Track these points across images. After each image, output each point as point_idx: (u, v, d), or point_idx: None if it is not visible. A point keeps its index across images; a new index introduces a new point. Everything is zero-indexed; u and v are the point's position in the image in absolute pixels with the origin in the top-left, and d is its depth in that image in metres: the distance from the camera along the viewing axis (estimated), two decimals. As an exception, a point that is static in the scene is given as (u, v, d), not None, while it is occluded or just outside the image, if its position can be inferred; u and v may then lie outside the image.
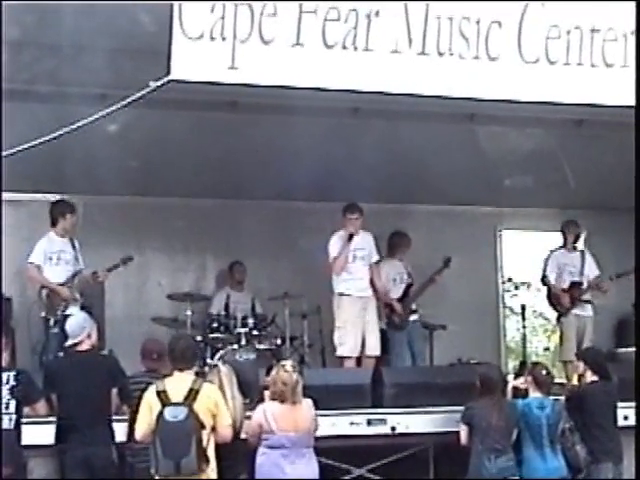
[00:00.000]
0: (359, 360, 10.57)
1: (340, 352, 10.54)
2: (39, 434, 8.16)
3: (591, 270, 11.73)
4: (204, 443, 7.16)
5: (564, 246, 11.90)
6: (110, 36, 8.19)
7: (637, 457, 8.81)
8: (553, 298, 11.79)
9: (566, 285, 11.66)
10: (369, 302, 10.69)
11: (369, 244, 10.80)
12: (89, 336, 8.37)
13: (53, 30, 8.15)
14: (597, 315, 11.76)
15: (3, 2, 7.62)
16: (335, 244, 10.59)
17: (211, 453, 7.24)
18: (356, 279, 10.63)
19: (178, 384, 7.33)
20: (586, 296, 11.65)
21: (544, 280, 11.85)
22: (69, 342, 8.43)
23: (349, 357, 10.50)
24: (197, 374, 7.63)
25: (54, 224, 10.23)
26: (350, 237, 10.52)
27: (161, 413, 7.18)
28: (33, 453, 8.15)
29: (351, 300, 10.57)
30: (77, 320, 8.64)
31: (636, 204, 8.91)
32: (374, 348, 10.59)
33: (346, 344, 10.49)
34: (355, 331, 10.50)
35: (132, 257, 10.73)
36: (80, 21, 7.99)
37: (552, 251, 11.98)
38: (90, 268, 10.42)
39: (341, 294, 10.59)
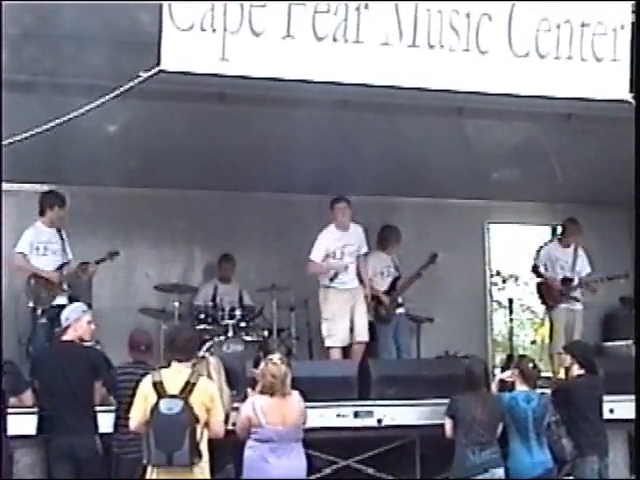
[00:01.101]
0: (346, 349, 10.59)
1: (329, 343, 10.54)
2: (24, 424, 8.16)
3: (583, 267, 11.76)
4: (197, 437, 7.12)
5: (559, 241, 11.92)
6: (102, 28, 8.17)
7: (637, 452, 8.84)
8: (543, 290, 11.80)
9: (557, 279, 11.68)
10: (357, 293, 10.70)
11: (359, 237, 10.79)
12: (75, 328, 8.38)
13: (45, 22, 8.13)
14: (585, 309, 11.80)
15: (3, 2, 7.62)
16: (319, 244, 10.54)
17: (204, 447, 7.20)
18: (341, 273, 10.60)
19: (175, 376, 7.27)
20: (575, 293, 11.67)
21: (535, 270, 11.86)
22: (63, 325, 8.45)
23: (337, 348, 10.51)
24: (194, 366, 7.58)
25: (42, 214, 10.20)
26: (344, 226, 10.52)
27: (156, 405, 7.12)
28: (19, 443, 8.15)
29: (338, 292, 10.57)
30: (67, 309, 8.66)
31: (636, 200, 8.90)
32: (363, 334, 10.61)
33: (335, 335, 10.50)
34: (343, 322, 10.52)
35: (119, 252, 10.72)
36: (73, 13, 7.97)
37: (545, 243, 12.01)
38: (77, 259, 10.40)
39: (328, 287, 10.60)
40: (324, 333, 10.58)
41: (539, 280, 11.90)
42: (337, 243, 10.58)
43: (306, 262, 10.56)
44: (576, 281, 11.69)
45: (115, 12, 7.96)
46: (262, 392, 7.82)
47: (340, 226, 10.60)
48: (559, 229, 12.21)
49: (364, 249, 10.85)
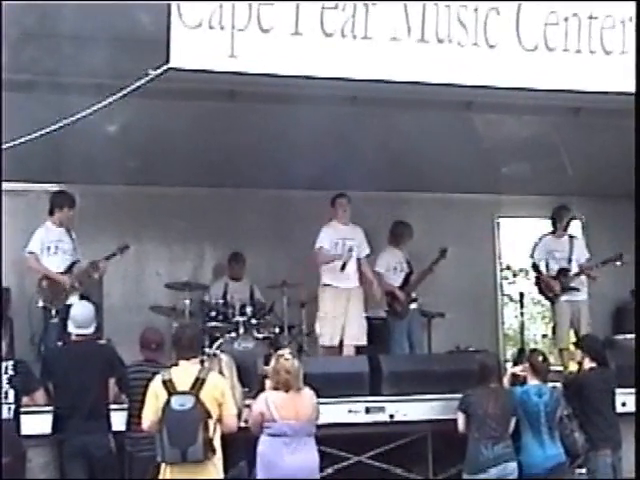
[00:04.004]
0: (341, 349, 10.65)
1: (321, 342, 10.64)
2: (37, 424, 8.18)
3: (581, 254, 11.63)
4: (210, 432, 7.13)
5: (554, 232, 11.84)
6: (103, 27, 8.18)
7: (637, 447, 8.83)
8: (542, 284, 11.73)
9: (554, 272, 11.61)
10: (353, 293, 10.70)
11: (359, 236, 10.84)
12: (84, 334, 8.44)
13: (51, 21, 8.14)
14: (595, 302, 11.75)
15: (3, 2, 7.63)
16: (323, 234, 10.65)
17: (217, 443, 7.20)
18: (340, 270, 10.59)
19: (184, 373, 7.29)
20: (574, 283, 11.58)
21: (534, 266, 11.80)
22: (81, 331, 8.43)
23: (329, 347, 10.57)
24: (202, 362, 7.60)
25: (51, 213, 10.21)
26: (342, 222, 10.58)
27: (168, 402, 7.14)
28: (32, 442, 8.16)
29: (335, 292, 10.61)
30: (89, 311, 8.64)
31: (636, 193, 8.90)
32: (356, 337, 10.61)
33: (326, 334, 10.57)
34: (335, 322, 10.55)
35: (129, 245, 10.70)
36: (73, 13, 7.98)
37: (540, 237, 11.94)
38: (88, 258, 10.40)
39: (325, 285, 10.65)
40: (317, 331, 10.66)
41: (536, 276, 11.83)
42: (338, 235, 10.65)
43: (313, 254, 10.61)
44: (573, 270, 11.61)
45: (115, 11, 7.96)
46: (276, 388, 7.83)
47: (340, 221, 10.70)
48: (550, 222, 12.07)
49: (366, 250, 10.88)
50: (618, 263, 11.47)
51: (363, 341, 10.68)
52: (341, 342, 10.60)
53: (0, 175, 8.15)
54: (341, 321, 10.57)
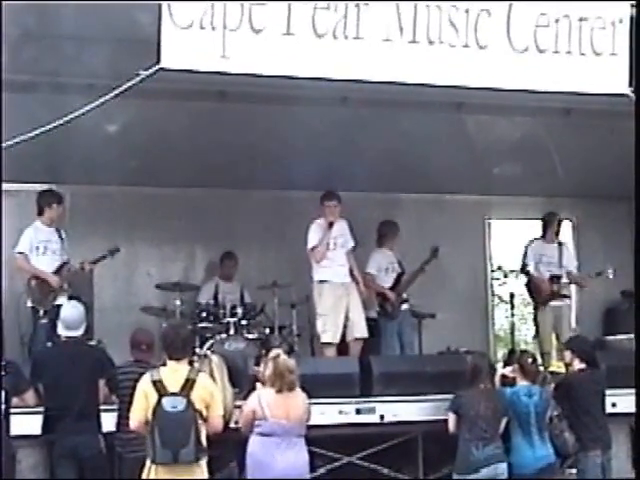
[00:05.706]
0: (344, 346, 10.58)
1: (324, 339, 10.54)
2: (27, 424, 8.16)
3: (569, 262, 11.72)
4: (201, 434, 7.12)
5: (543, 237, 11.87)
6: (102, 27, 8.18)
7: (637, 447, 8.85)
8: (533, 288, 11.73)
9: (545, 276, 11.63)
10: (350, 287, 10.67)
11: (345, 230, 10.81)
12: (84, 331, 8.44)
13: (45, 22, 8.14)
14: (585, 303, 11.80)
15: (3, 2, 7.62)
16: (314, 233, 10.61)
17: (204, 443, 7.21)
18: (336, 266, 10.63)
19: (173, 374, 7.28)
20: (565, 291, 11.61)
21: (524, 269, 11.80)
22: (70, 334, 8.40)
23: (331, 344, 10.50)
24: (191, 363, 7.59)
25: (40, 213, 10.20)
26: (330, 225, 10.53)
27: (159, 403, 7.12)
28: (21, 443, 8.15)
29: (332, 287, 10.55)
30: (79, 312, 8.62)
31: (636, 195, 8.90)
32: (361, 330, 10.57)
33: (328, 331, 10.49)
34: (337, 318, 10.49)
35: (119, 248, 10.70)
36: (73, 13, 7.98)
37: (531, 241, 11.96)
38: (78, 258, 10.39)
39: (321, 281, 10.59)
40: (319, 329, 10.58)
41: (527, 279, 11.83)
42: (327, 234, 10.58)
43: (310, 254, 10.56)
44: (564, 278, 11.63)
45: (115, 12, 7.95)
46: (278, 389, 7.80)
47: (328, 220, 10.63)
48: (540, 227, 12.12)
49: (351, 243, 10.84)
50: (611, 276, 11.51)
51: (366, 333, 10.64)
52: (342, 338, 10.54)
53: (0, 176, 8.12)
54: (342, 317, 10.52)
